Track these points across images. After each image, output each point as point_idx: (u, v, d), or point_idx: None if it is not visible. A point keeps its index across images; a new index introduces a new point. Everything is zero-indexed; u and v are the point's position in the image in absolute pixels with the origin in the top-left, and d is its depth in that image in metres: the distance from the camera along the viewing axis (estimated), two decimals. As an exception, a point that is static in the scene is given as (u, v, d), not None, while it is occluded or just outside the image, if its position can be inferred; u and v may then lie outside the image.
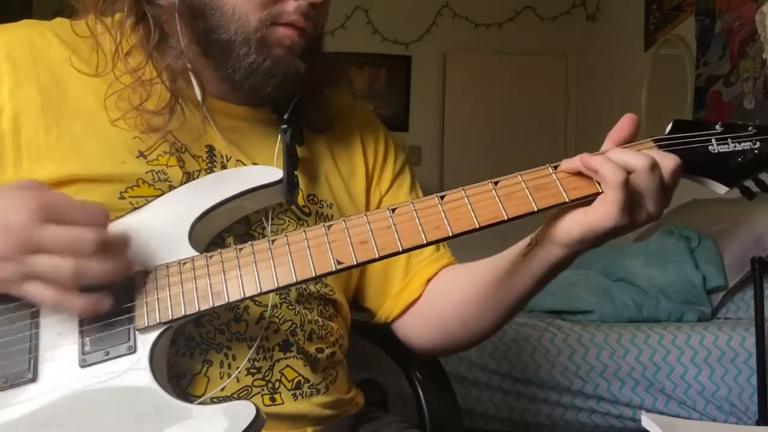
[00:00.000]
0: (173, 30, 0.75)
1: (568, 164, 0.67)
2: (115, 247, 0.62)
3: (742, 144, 0.68)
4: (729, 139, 0.68)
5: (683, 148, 0.68)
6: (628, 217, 0.65)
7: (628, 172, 0.64)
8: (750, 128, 0.69)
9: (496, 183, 0.67)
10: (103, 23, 0.75)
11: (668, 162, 0.65)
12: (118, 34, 0.74)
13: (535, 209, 0.66)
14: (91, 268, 0.59)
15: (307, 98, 0.82)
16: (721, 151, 0.68)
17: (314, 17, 0.75)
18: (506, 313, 0.82)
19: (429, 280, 0.88)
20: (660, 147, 0.69)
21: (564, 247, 0.70)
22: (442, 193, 0.67)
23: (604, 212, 0.65)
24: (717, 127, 0.69)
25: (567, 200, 0.66)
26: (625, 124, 0.69)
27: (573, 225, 0.68)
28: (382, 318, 0.91)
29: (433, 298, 0.88)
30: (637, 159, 0.64)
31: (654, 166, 0.64)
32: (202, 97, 0.75)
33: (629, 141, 0.69)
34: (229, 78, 0.76)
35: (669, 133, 0.70)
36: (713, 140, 0.68)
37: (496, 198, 0.66)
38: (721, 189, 0.69)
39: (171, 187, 0.72)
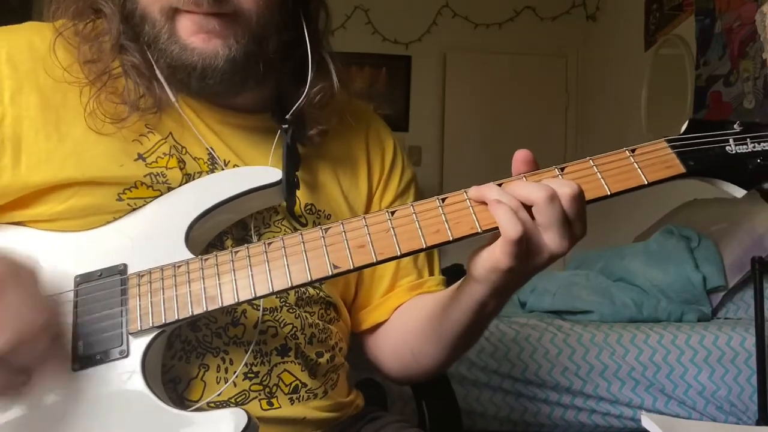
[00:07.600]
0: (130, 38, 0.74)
1: (475, 192, 0.64)
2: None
3: (762, 144, 0.64)
4: (748, 139, 0.64)
5: (698, 148, 0.65)
6: (526, 262, 0.63)
7: (528, 206, 0.62)
8: None
9: (499, 185, 0.64)
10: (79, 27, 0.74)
11: (566, 190, 0.61)
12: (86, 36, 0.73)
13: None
14: None
15: (306, 101, 0.79)
16: (739, 152, 0.64)
17: None
18: (449, 347, 0.80)
19: (398, 307, 0.87)
20: (673, 148, 0.65)
21: (478, 283, 0.68)
22: (443, 196, 0.65)
23: (501, 256, 0.62)
24: (735, 126, 0.65)
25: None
26: (517, 162, 0.66)
27: (481, 262, 0.65)
28: (353, 327, 0.90)
29: (395, 325, 0.87)
30: (536, 192, 0.61)
31: (553, 197, 0.61)
32: (175, 98, 0.73)
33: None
34: (168, 80, 0.73)
35: (684, 133, 0.66)
36: (731, 140, 0.65)
37: None
38: (739, 192, 0.64)
39: (169, 189, 0.71)
